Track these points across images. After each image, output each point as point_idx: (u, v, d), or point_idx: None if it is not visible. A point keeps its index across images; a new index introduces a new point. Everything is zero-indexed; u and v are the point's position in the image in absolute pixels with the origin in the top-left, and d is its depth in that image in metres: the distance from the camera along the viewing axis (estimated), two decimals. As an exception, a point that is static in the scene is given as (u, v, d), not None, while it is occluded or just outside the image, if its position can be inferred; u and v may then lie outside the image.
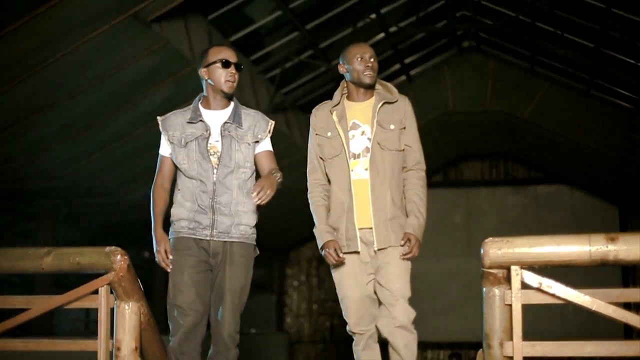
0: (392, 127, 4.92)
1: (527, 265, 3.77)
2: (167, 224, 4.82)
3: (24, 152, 10.23)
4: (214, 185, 4.69)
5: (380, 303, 4.83)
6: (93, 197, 12.94)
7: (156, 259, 4.68)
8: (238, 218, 4.72)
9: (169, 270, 4.62)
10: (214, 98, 4.83)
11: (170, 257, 4.63)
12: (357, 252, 4.82)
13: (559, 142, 15.41)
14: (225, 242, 4.68)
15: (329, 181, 5.00)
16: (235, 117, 4.81)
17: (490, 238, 3.82)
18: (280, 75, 12.57)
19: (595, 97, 14.53)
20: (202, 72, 4.82)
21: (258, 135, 4.82)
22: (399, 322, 4.70)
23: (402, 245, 4.78)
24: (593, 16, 11.50)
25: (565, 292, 3.78)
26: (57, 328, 13.51)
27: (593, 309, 3.74)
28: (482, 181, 19.24)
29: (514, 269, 3.78)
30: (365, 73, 4.93)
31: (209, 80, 4.80)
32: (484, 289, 3.90)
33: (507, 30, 13.66)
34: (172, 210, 4.77)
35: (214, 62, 4.78)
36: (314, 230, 4.97)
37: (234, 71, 4.79)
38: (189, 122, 4.77)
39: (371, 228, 4.81)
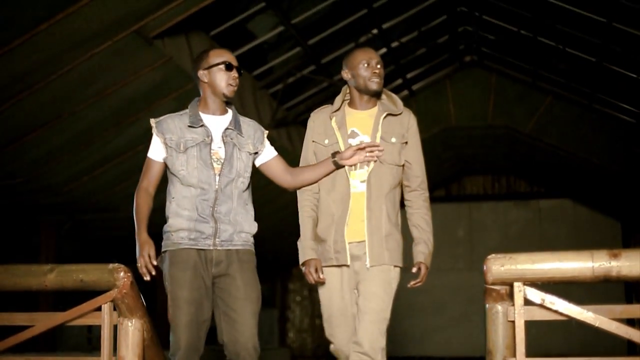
0: (393, 140, 4.69)
1: (529, 281, 3.76)
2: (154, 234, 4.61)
3: (27, 168, 10.24)
4: (216, 194, 4.52)
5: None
6: (96, 213, 12.94)
7: (137, 265, 4.39)
8: (240, 226, 4.57)
9: (146, 278, 4.35)
10: (214, 102, 4.65)
11: (154, 262, 4.36)
12: (347, 266, 4.59)
13: (561, 156, 15.42)
14: (228, 250, 4.52)
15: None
16: (236, 124, 4.66)
17: (493, 254, 3.81)
18: (283, 91, 12.58)
19: (598, 111, 14.55)
20: (202, 74, 4.63)
21: (257, 146, 4.69)
22: (361, 348, 4.45)
23: (413, 272, 4.63)
24: (594, 30, 11.52)
25: (568, 309, 3.77)
26: (59, 344, 13.50)
27: (596, 325, 3.74)
28: (484, 195, 19.26)
29: (517, 285, 3.77)
30: (373, 80, 4.70)
31: (209, 83, 4.63)
32: (487, 305, 3.89)
33: (509, 45, 13.69)
34: (170, 221, 4.54)
35: (217, 64, 4.61)
36: (297, 242, 4.73)
37: (236, 75, 4.63)
38: (189, 127, 4.58)
39: (361, 242, 4.59)
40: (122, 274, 4.20)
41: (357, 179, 4.65)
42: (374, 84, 4.71)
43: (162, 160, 4.62)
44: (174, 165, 4.55)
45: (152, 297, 14.01)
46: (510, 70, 15.04)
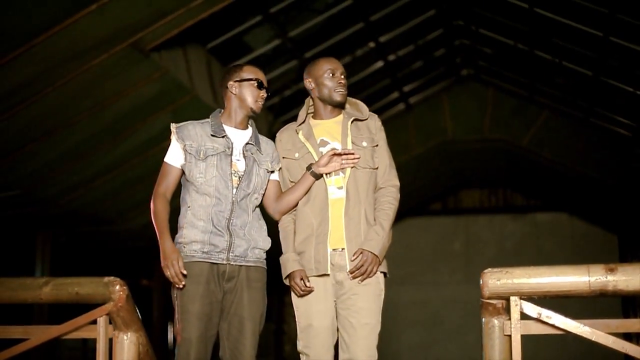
0: (364, 144, 4.62)
1: (526, 295, 3.76)
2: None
3: (24, 180, 10.23)
4: (232, 205, 4.49)
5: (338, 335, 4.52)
6: (92, 225, 12.93)
7: (167, 274, 4.33)
8: (254, 242, 4.54)
9: (181, 285, 4.32)
10: (237, 115, 4.64)
11: (184, 271, 4.32)
12: (327, 275, 4.49)
13: (558, 170, 15.43)
14: (241, 266, 4.49)
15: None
16: (256, 140, 4.65)
17: (489, 269, 3.81)
18: (279, 104, 12.59)
19: (594, 125, 14.56)
20: (232, 85, 4.62)
21: (274, 165, 4.67)
22: None
23: (352, 260, 4.46)
24: (591, 44, 11.54)
25: (564, 323, 3.76)
26: (54, 357, 13.47)
27: (593, 339, 3.74)
28: (481, 209, 19.27)
29: (513, 299, 3.76)
30: (337, 90, 4.64)
31: (238, 96, 4.62)
32: (483, 320, 3.88)
33: (506, 59, 13.71)
34: (184, 232, 4.47)
35: (250, 80, 4.63)
36: (280, 258, 4.64)
37: (264, 94, 4.64)
38: (212, 135, 4.55)
39: (343, 249, 4.50)
40: (117, 287, 4.18)
41: (334, 185, 4.57)
42: (339, 95, 4.65)
43: (179, 167, 4.56)
44: (192, 172, 4.51)
45: (148, 310, 13.99)
46: (507, 84, 15.06)
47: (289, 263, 4.57)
